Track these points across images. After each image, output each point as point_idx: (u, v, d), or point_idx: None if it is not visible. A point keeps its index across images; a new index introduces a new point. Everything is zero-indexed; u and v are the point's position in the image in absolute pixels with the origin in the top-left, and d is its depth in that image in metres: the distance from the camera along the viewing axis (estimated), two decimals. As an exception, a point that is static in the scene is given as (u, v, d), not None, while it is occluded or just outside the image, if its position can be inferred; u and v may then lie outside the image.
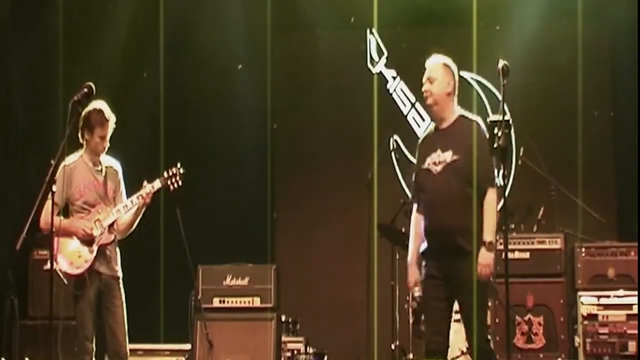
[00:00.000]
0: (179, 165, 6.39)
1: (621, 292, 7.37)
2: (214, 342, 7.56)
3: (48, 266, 6.15)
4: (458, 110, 5.74)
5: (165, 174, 6.33)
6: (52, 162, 5.30)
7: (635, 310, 7.27)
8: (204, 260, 7.83)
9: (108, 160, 6.35)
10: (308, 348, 8.23)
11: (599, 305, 7.36)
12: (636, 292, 7.25)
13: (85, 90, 5.53)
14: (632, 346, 7.25)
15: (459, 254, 5.48)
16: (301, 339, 8.29)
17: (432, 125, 5.83)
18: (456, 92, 5.74)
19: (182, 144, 9.17)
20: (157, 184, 6.28)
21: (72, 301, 6.10)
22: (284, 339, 8.05)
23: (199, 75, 9.66)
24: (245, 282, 7.76)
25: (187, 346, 7.77)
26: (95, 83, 5.57)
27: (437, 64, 5.76)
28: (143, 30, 9.42)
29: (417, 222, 5.72)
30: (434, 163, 5.61)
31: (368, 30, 9.77)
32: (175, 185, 6.34)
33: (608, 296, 7.36)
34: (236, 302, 7.74)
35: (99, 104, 6.16)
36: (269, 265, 7.98)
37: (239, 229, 9.27)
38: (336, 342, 8.74)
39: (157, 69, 9.19)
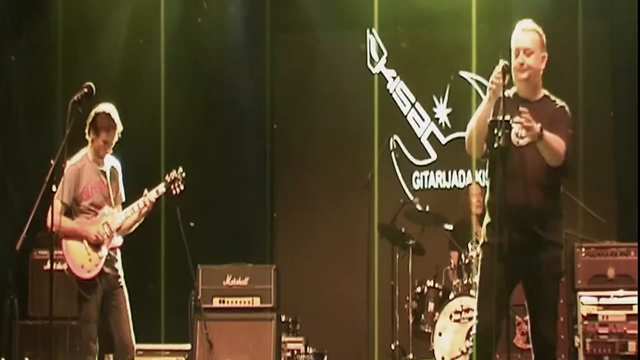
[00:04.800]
0: (180, 169, 6.40)
1: (621, 292, 7.36)
2: (214, 342, 7.55)
3: (48, 266, 6.13)
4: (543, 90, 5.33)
5: (167, 178, 6.35)
6: (52, 162, 5.29)
7: (635, 310, 7.26)
8: (204, 260, 7.82)
9: (110, 160, 6.34)
10: (308, 348, 8.23)
11: (598, 305, 7.35)
12: (636, 292, 7.24)
13: (85, 90, 5.51)
14: (632, 346, 7.24)
15: (533, 243, 5.05)
16: (301, 339, 8.28)
17: (513, 90, 5.22)
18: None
19: (182, 144, 9.18)
20: (162, 188, 6.31)
21: (74, 301, 6.11)
22: (284, 339, 8.05)
23: (199, 75, 9.65)
24: (245, 282, 7.75)
25: (187, 346, 7.76)
26: (95, 83, 5.57)
27: (533, 33, 5.26)
28: (143, 30, 9.43)
29: None
30: (517, 135, 5.06)
31: (368, 30, 9.76)
32: (178, 189, 6.36)
33: (608, 296, 7.36)
34: (236, 302, 7.73)
35: (109, 107, 6.17)
36: (269, 265, 7.97)
37: (239, 229, 9.27)
38: (336, 342, 8.74)
39: (157, 68, 9.19)
